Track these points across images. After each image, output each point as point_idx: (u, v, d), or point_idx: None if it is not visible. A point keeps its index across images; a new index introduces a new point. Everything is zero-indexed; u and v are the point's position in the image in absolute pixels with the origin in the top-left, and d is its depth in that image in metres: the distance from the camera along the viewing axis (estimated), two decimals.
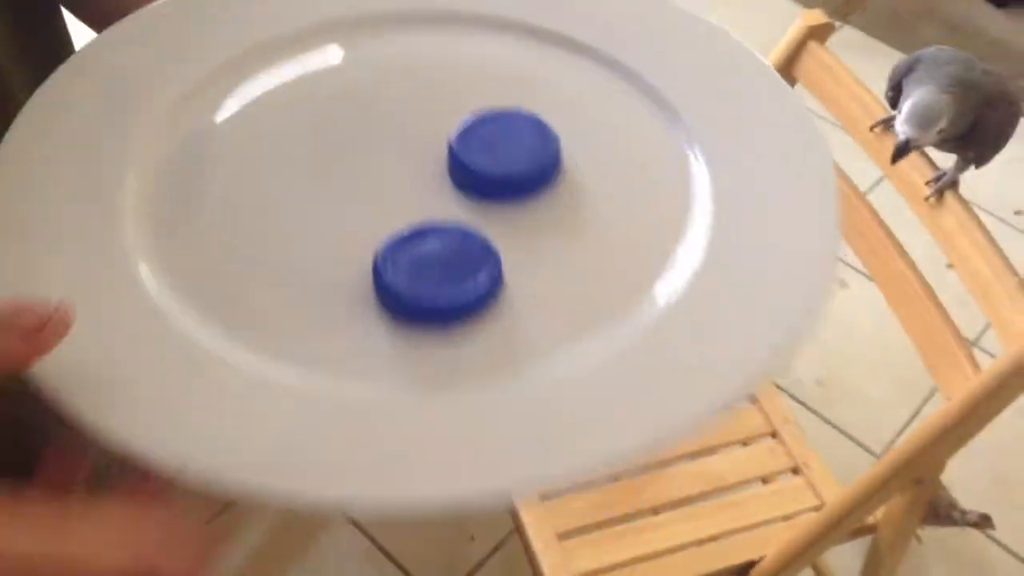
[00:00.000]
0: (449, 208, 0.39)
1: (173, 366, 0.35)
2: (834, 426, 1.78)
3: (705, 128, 0.42)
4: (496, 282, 0.36)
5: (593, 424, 0.34)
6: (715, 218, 0.40)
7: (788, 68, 1.15)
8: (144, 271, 0.38)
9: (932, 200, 1.02)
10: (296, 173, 0.41)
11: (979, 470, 1.72)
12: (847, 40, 2.45)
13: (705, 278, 0.37)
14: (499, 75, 0.43)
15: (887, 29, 2.46)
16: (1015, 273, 0.94)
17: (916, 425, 0.99)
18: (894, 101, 1.04)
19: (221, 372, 0.35)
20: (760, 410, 1.28)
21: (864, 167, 1.11)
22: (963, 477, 1.66)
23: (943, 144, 1.03)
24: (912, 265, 1.06)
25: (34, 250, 0.37)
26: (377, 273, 0.37)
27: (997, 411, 0.96)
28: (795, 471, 1.24)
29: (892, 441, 1.75)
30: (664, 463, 1.23)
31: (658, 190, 0.41)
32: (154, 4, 0.44)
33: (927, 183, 1.02)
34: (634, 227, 0.40)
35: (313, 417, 0.34)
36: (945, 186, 1.01)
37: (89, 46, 0.43)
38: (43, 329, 0.32)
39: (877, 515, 1.13)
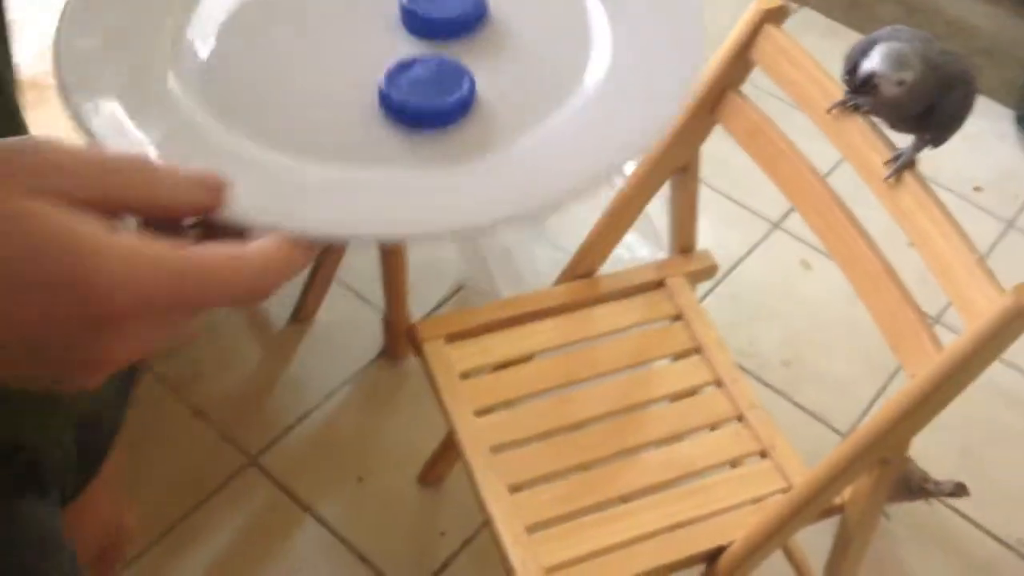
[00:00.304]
0: (412, 49, 0.51)
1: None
2: (801, 407, 1.79)
3: None
4: (472, 92, 0.49)
5: (554, 168, 0.47)
6: (612, 28, 0.53)
7: (745, 51, 1.14)
8: (198, 110, 0.49)
9: (891, 180, 1.02)
10: (295, 32, 0.53)
11: (946, 443, 1.73)
12: (807, 22, 2.45)
13: (611, 74, 0.50)
14: None
15: (846, 10, 2.46)
16: (974, 250, 0.95)
17: (881, 404, 0.99)
18: (851, 84, 1.04)
19: (275, 163, 0.47)
20: (726, 395, 1.28)
21: (823, 148, 1.11)
22: (930, 451, 1.67)
23: (901, 123, 1.03)
24: (872, 245, 1.06)
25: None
26: (383, 92, 0.49)
27: (960, 388, 0.97)
28: (763, 455, 1.24)
29: (859, 420, 1.76)
30: (631, 450, 1.23)
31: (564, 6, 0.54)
32: None
33: (885, 163, 1.02)
34: (556, 43, 0.53)
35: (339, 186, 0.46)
36: (903, 166, 1.01)
37: None
38: (223, 188, 0.40)
39: (844, 495, 1.13)
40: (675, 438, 1.25)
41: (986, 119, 2.27)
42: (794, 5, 2.46)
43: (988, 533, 1.66)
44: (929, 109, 1.00)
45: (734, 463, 1.24)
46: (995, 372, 1.85)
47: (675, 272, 1.39)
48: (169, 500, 1.58)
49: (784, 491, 1.19)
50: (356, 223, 0.45)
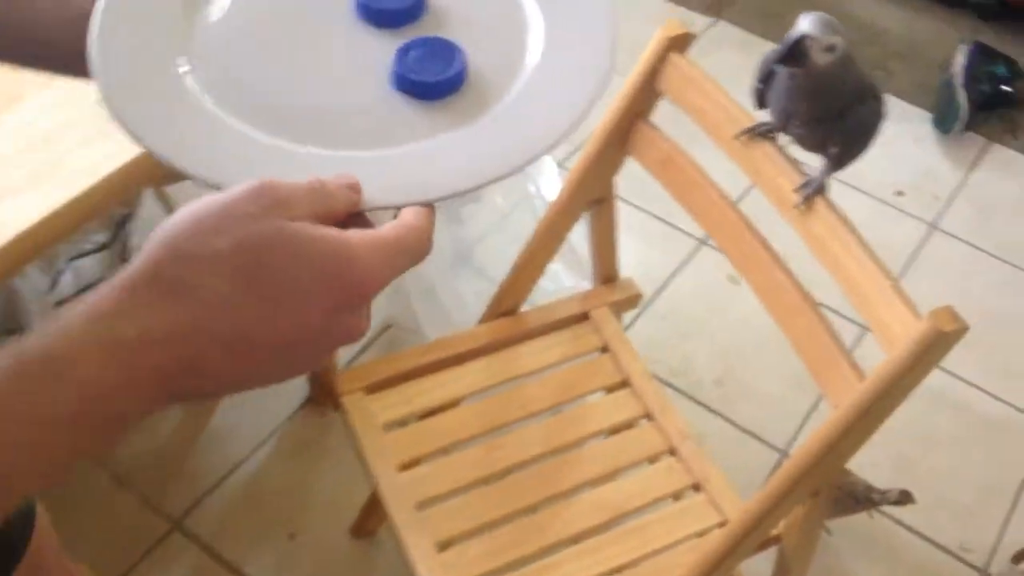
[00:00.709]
0: (375, 34, 0.60)
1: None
2: (737, 425, 1.77)
3: None
4: (465, 61, 0.58)
5: (527, 131, 0.57)
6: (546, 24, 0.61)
7: (651, 81, 1.12)
8: (209, 102, 0.56)
9: (802, 207, 1.00)
10: (280, 41, 0.60)
11: (880, 453, 1.73)
12: (722, 36, 2.45)
13: (544, 59, 0.60)
14: None
15: (761, 21, 2.47)
16: (888, 275, 0.93)
17: (815, 419, 0.97)
18: (761, 95, 1.01)
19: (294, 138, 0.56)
20: (657, 428, 1.26)
21: (735, 173, 1.09)
22: (865, 461, 1.66)
23: (807, 138, 1.00)
24: (788, 274, 1.04)
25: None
26: (399, 74, 0.57)
27: (886, 415, 0.95)
28: (696, 488, 1.21)
29: (795, 435, 1.75)
30: (564, 494, 1.19)
31: (509, 19, 0.62)
32: None
33: (795, 190, 1.01)
34: (492, 22, 0.62)
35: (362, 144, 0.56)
36: (813, 192, 1.00)
37: None
38: (359, 186, 0.50)
39: (780, 525, 1.11)
40: (608, 477, 1.22)
41: (903, 122, 2.28)
42: (707, 19, 2.47)
43: (931, 542, 1.65)
44: (839, 115, 0.97)
45: (668, 499, 1.21)
46: (931, 376, 1.87)
47: (599, 303, 1.37)
48: (92, 574, 1.51)
49: (720, 525, 1.16)
50: (416, 188, 0.53)
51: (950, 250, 2.06)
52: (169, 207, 1.85)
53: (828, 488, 1.05)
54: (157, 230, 0.45)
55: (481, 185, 0.54)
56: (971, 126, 2.20)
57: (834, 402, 0.98)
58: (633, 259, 1.98)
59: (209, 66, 0.57)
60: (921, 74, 2.38)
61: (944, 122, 2.21)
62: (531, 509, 1.18)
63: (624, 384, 1.31)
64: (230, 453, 1.66)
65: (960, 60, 2.23)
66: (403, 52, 0.58)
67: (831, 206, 0.99)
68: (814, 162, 1.02)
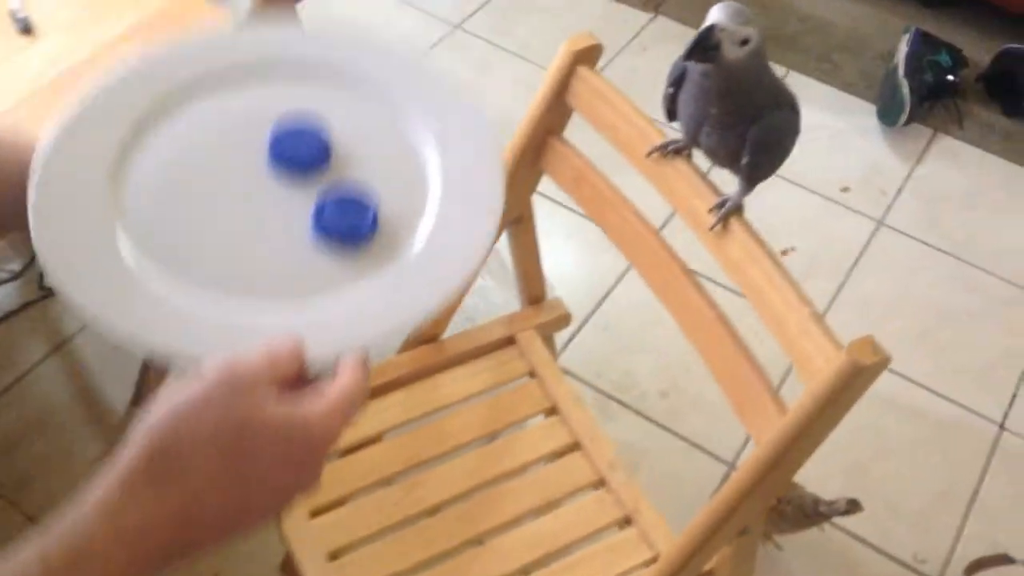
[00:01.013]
0: (289, 185, 0.64)
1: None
2: (683, 438, 1.72)
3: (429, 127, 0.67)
4: (376, 213, 0.62)
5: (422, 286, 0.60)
6: (443, 188, 0.65)
7: (561, 96, 1.06)
8: (133, 258, 0.59)
9: (717, 229, 0.94)
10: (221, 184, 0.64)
11: (830, 462, 1.68)
12: (661, 31, 2.39)
13: (438, 224, 0.63)
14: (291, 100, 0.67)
15: (698, 14, 2.41)
16: (807, 303, 0.87)
17: (732, 477, 0.91)
18: (673, 100, 0.95)
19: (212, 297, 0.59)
20: (586, 458, 1.20)
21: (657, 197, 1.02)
22: (813, 473, 1.61)
23: (718, 148, 0.93)
24: (708, 301, 0.98)
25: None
26: (321, 225, 0.61)
27: (811, 450, 0.89)
28: (627, 521, 1.15)
29: (742, 447, 1.69)
30: (488, 534, 1.13)
31: (406, 160, 0.66)
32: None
33: (710, 211, 0.94)
34: (391, 171, 0.65)
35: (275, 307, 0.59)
36: (728, 212, 0.93)
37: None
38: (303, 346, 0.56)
39: (714, 559, 1.05)
40: (534, 514, 1.16)
41: (848, 116, 2.23)
42: (646, 15, 2.40)
43: (884, 553, 1.61)
44: (754, 120, 0.91)
45: (597, 535, 1.15)
46: (879, 379, 1.82)
47: (525, 326, 1.30)
48: None
49: (650, 563, 1.10)
50: (345, 338, 0.57)
51: (897, 246, 2.01)
52: None
53: (757, 527, 0.99)
54: (141, 424, 0.52)
55: (412, 326, 0.59)
56: (916, 117, 2.15)
57: (756, 437, 0.92)
58: (573, 268, 1.92)
59: (142, 231, 0.60)
60: (867, 65, 2.33)
61: (888, 114, 2.16)
62: (454, 551, 1.12)
63: (553, 411, 1.24)
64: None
65: (903, 49, 2.18)
66: (320, 206, 0.62)
67: (748, 229, 0.93)
68: (732, 186, 0.96)
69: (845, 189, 2.10)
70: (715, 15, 0.84)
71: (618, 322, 1.85)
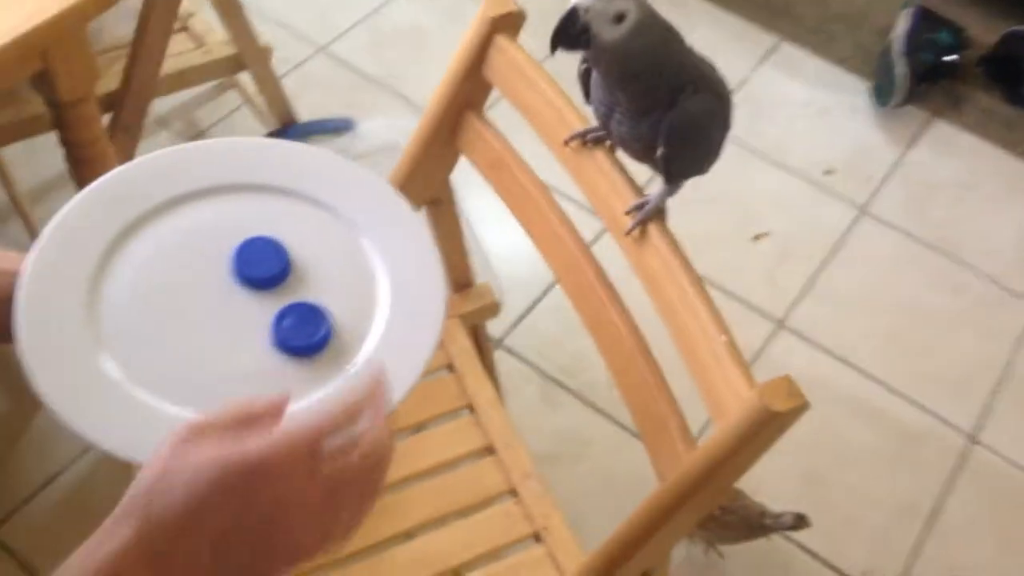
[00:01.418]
0: (250, 299, 0.69)
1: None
2: (629, 430, 1.61)
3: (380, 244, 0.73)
4: (331, 326, 0.68)
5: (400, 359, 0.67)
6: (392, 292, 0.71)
7: (477, 69, 0.93)
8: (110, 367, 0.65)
9: (635, 234, 0.82)
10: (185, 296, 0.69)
11: (786, 467, 1.58)
12: None
13: (393, 310, 0.70)
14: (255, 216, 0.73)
15: None
16: (722, 330, 0.75)
17: (631, 517, 0.80)
18: (587, 78, 0.82)
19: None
20: (498, 464, 1.09)
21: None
22: (772, 477, 1.51)
23: (631, 138, 0.81)
24: (622, 313, 0.86)
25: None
26: (275, 335, 0.67)
27: (718, 494, 0.78)
28: (536, 538, 1.05)
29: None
30: (378, 546, 1.03)
31: (357, 276, 0.72)
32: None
33: (627, 212, 0.83)
34: (343, 276, 0.72)
35: None
36: (647, 216, 0.82)
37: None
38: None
39: None
40: (433, 525, 1.05)
41: (839, 92, 2.09)
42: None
43: (832, 568, 1.51)
44: (669, 107, 0.78)
45: (501, 551, 1.05)
46: (835, 377, 1.71)
47: (449, 314, 1.19)
48: None
49: None
50: None
51: (879, 237, 1.89)
52: (5, 173, 1.66)
53: (663, 567, 0.88)
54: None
55: None
56: (912, 99, 2.01)
57: (660, 473, 0.81)
58: (522, 249, 1.80)
59: (119, 346, 0.65)
60: (863, 39, 2.18)
61: (882, 94, 2.02)
62: (336, 564, 1.01)
63: (468, 409, 1.14)
64: (55, 455, 1.49)
65: (902, 26, 2.04)
66: (279, 319, 0.67)
67: (668, 237, 0.81)
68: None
69: (829, 172, 1.97)
70: None
71: (568, 305, 1.73)
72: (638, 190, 0.84)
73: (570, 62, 0.91)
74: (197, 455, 0.53)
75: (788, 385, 0.70)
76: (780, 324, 1.75)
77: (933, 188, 1.97)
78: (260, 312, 0.67)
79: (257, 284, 0.69)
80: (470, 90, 0.95)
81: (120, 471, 1.49)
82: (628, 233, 0.82)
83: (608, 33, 0.72)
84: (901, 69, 1.97)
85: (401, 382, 0.64)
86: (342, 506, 0.56)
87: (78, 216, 0.70)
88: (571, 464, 1.56)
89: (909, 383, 1.70)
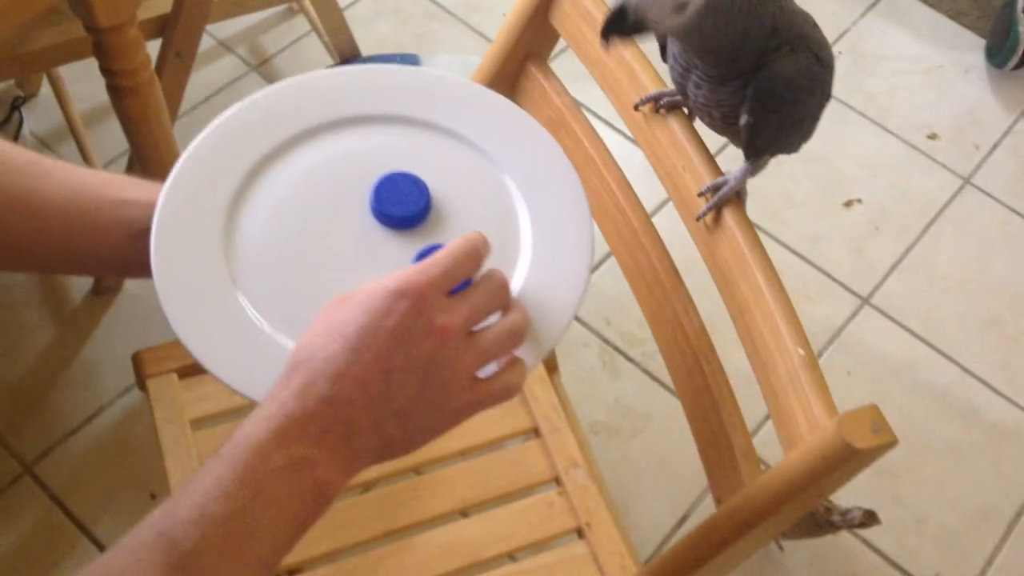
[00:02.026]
0: (386, 239, 0.66)
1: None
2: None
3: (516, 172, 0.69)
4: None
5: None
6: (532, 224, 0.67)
7: (543, 15, 0.83)
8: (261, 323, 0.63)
9: (707, 220, 0.72)
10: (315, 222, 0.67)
11: None
12: None
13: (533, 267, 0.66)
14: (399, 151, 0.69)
15: None
16: (802, 342, 0.65)
17: (676, 541, 0.71)
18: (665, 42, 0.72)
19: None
20: (543, 448, 1.01)
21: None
22: None
23: (712, 105, 0.69)
24: (688, 310, 0.76)
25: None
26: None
27: (780, 527, 0.69)
28: (579, 534, 0.97)
29: (763, 421, 1.48)
30: (404, 531, 0.95)
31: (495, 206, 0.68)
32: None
33: (700, 194, 0.72)
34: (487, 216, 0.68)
35: None
36: (721, 200, 0.71)
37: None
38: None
39: None
40: (468, 511, 0.98)
41: (951, 49, 1.92)
42: None
43: (900, 569, 1.40)
44: (757, 68, 0.67)
45: (540, 546, 0.97)
46: (921, 362, 1.58)
47: None
48: None
49: None
50: None
51: (982, 211, 1.73)
52: (61, 92, 1.60)
53: None
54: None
55: None
56: None
57: (718, 496, 0.71)
58: None
59: (254, 283, 0.63)
60: None
61: (997, 54, 1.84)
62: (368, 544, 0.95)
63: None
64: (98, 391, 1.45)
65: None
66: (417, 259, 0.64)
67: (746, 227, 0.70)
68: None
69: (932, 136, 1.81)
70: None
71: None
72: (716, 168, 0.73)
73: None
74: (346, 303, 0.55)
75: (874, 416, 0.60)
76: (866, 300, 1.62)
77: None
78: (397, 253, 0.65)
79: (395, 223, 0.66)
80: (533, 38, 0.85)
81: None
82: (700, 218, 0.71)
83: (669, 22, 0.61)
84: (1021, 27, 1.79)
85: (545, 334, 0.61)
86: (478, 384, 0.57)
87: (211, 147, 0.67)
88: (626, 438, 1.47)
89: (1003, 375, 1.56)
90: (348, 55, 1.64)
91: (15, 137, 1.64)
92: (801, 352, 0.64)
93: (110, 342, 1.49)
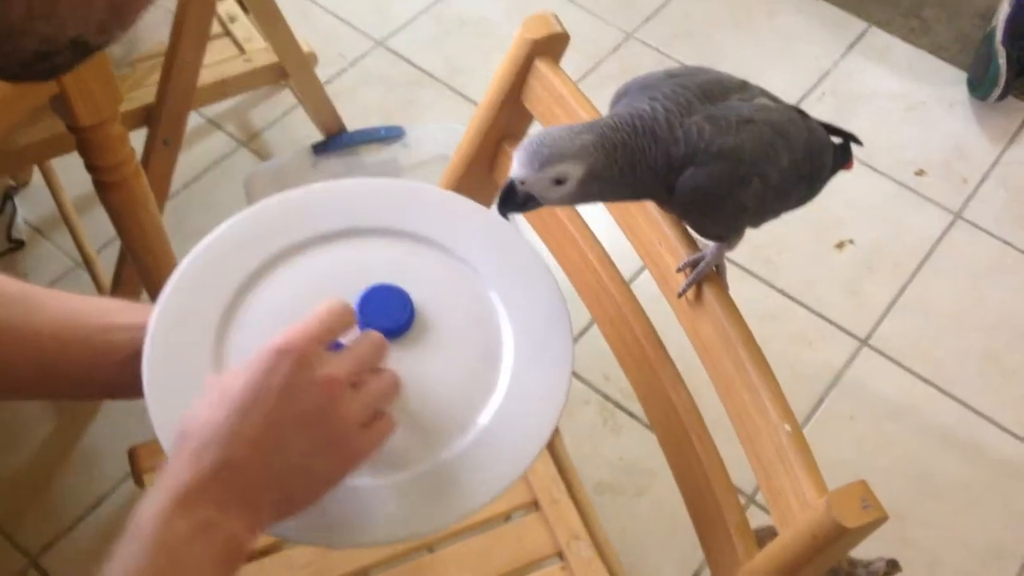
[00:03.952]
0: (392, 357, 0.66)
1: None
2: None
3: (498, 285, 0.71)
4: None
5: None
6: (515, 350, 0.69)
7: (516, 95, 0.83)
8: None
9: (689, 296, 0.72)
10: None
11: None
12: None
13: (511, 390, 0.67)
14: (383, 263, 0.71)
15: None
16: (787, 417, 0.65)
17: None
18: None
19: None
20: (543, 522, 1.00)
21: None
22: None
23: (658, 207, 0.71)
24: (676, 385, 0.76)
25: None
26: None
27: None
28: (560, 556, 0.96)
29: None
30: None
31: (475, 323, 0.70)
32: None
33: (678, 269, 0.72)
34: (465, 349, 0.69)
35: None
36: (702, 275, 0.71)
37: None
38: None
39: None
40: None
41: (934, 84, 1.93)
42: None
43: None
44: (669, 191, 0.67)
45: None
46: (923, 402, 1.57)
47: None
48: None
49: None
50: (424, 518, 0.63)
51: (975, 245, 1.73)
52: (52, 180, 1.61)
53: None
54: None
55: (477, 508, 0.63)
56: (1012, 91, 1.84)
57: (713, 568, 0.71)
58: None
59: None
60: (963, 25, 2.01)
61: (980, 86, 1.85)
62: None
63: None
64: (102, 478, 1.44)
65: (1004, 10, 1.86)
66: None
67: (725, 302, 0.70)
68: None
69: (920, 172, 1.82)
70: (514, 166, 0.63)
71: None
72: (692, 243, 0.73)
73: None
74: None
75: (863, 493, 0.60)
76: (864, 342, 1.62)
77: None
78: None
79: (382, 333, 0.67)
80: (508, 119, 0.86)
81: None
82: (680, 295, 0.72)
83: (554, 194, 0.64)
84: (1001, 60, 1.81)
85: (520, 453, 0.63)
86: (364, 431, 0.59)
87: (199, 268, 0.69)
88: (632, 497, 1.46)
89: (1006, 410, 1.55)
90: (333, 130, 1.65)
91: (8, 226, 1.65)
92: (788, 428, 0.64)
93: (109, 429, 1.49)
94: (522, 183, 0.63)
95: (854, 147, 0.74)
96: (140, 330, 0.66)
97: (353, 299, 0.67)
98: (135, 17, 0.50)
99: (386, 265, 0.70)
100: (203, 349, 0.65)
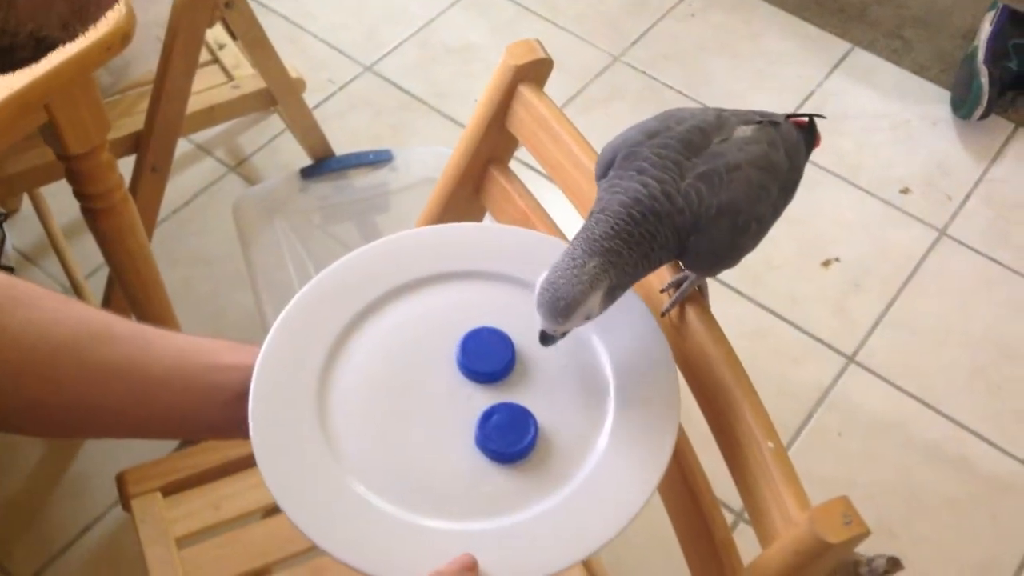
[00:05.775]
0: (472, 393, 0.68)
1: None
2: None
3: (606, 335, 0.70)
4: (537, 429, 0.66)
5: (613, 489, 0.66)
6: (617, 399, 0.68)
7: (501, 119, 0.85)
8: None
9: (672, 316, 0.73)
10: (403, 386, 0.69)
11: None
12: None
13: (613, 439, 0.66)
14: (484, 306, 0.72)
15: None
16: (770, 435, 0.66)
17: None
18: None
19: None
20: None
21: None
22: None
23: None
24: None
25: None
26: (478, 433, 0.66)
27: None
28: None
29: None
30: None
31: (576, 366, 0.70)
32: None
33: (662, 290, 0.73)
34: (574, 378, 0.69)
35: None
36: (685, 295, 0.72)
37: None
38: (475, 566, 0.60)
39: None
40: None
41: (917, 103, 1.95)
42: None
43: None
44: (681, 250, 0.68)
45: None
46: (911, 418, 1.58)
47: None
48: None
49: None
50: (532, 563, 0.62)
51: (960, 262, 1.75)
52: (42, 207, 1.62)
53: None
54: None
55: (580, 558, 0.63)
56: (995, 110, 1.87)
57: None
58: None
59: (348, 445, 0.65)
60: (944, 45, 2.04)
61: (962, 105, 1.87)
62: None
63: None
64: (93, 502, 1.44)
65: (986, 29, 1.89)
66: (485, 417, 0.66)
67: (708, 321, 0.71)
68: None
69: (905, 190, 1.83)
70: (539, 319, 0.65)
71: None
72: (675, 264, 0.74)
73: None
74: None
75: (845, 509, 0.60)
76: (851, 359, 1.63)
77: (1019, 207, 1.82)
78: (484, 405, 0.66)
79: (481, 378, 0.68)
80: (493, 144, 0.87)
81: None
82: (664, 313, 0.72)
83: (587, 321, 0.65)
84: (983, 79, 1.83)
85: (617, 513, 0.62)
86: None
87: (302, 312, 0.70)
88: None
89: (993, 425, 1.56)
90: (321, 155, 1.67)
91: None
92: (771, 445, 0.64)
93: (98, 455, 1.49)
94: (552, 333, 0.65)
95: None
96: (246, 371, 0.66)
97: (455, 341, 0.68)
98: (98, 14, 0.49)
99: (489, 307, 0.70)
100: (308, 391, 0.66)
